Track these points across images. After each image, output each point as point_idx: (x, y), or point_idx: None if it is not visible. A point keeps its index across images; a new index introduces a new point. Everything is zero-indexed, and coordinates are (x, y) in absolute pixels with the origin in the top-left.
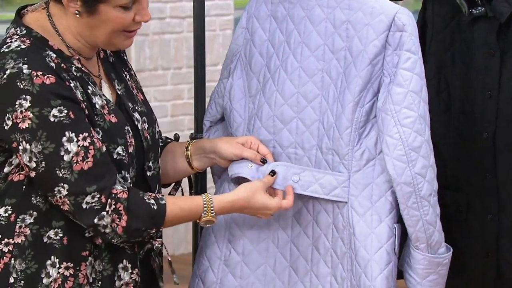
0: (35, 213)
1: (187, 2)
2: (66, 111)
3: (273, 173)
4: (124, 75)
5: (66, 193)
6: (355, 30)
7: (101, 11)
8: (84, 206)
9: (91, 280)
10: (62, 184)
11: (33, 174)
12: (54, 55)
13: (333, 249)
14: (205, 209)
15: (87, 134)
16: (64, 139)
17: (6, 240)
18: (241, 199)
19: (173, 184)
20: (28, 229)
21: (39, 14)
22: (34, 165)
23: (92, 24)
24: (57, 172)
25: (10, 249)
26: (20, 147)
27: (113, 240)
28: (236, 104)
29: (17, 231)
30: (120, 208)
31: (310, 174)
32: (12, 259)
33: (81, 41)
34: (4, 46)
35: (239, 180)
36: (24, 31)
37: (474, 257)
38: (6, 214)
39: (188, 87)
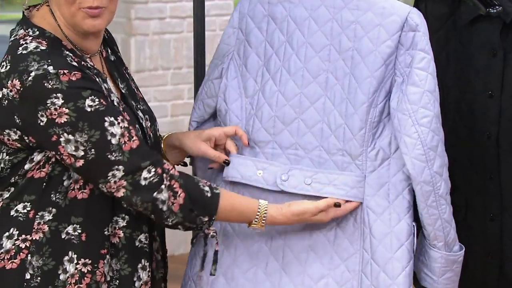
0: (54, 210)
1: (187, 2)
2: (98, 100)
3: (337, 205)
4: (124, 73)
5: (123, 173)
6: (365, 30)
7: None
8: (142, 183)
9: (108, 279)
10: (116, 166)
11: (80, 162)
12: (71, 54)
13: (335, 251)
14: (257, 216)
15: (122, 117)
16: (106, 124)
17: (23, 236)
18: (290, 221)
19: None
20: (46, 226)
21: (44, 12)
22: (82, 153)
23: (56, 2)
24: (109, 156)
25: (28, 245)
26: (62, 139)
27: (168, 220)
28: (232, 105)
29: (35, 228)
30: (175, 186)
31: (323, 176)
32: (29, 255)
33: (71, 29)
34: (20, 48)
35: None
36: (37, 32)
37: (474, 258)
38: (25, 211)
39: (188, 87)
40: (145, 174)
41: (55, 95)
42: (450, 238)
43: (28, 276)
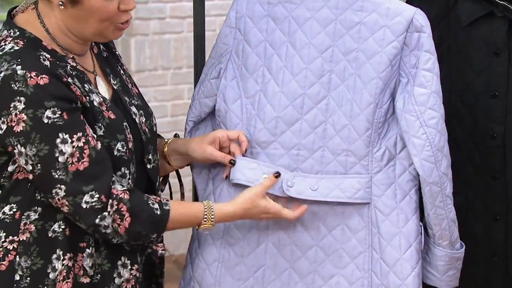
0: (39, 208)
1: (187, 2)
2: (59, 113)
3: (277, 174)
4: (118, 69)
5: (64, 194)
6: (370, 31)
7: (83, 2)
8: (83, 206)
9: (91, 273)
10: (58, 185)
11: (31, 176)
12: (48, 55)
13: (344, 249)
14: (205, 217)
15: (81, 134)
16: (58, 140)
17: (11, 237)
18: (241, 210)
19: (160, 179)
20: (33, 225)
21: (29, 15)
22: (30, 167)
23: (77, 16)
24: (53, 173)
25: (15, 246)
26: (16, 151)
27: (113, 240)
28: (232, 105)
29: (22, 229)
30: (122, 209)
31: (329, 181)
32: (17, 256)
33: (70, 37)
34: None
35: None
36: (18, 33)
37: (476, 259)
38: (11, 212)
39: (188, 87)
40: (87, 198)
41: (18, 98)
42: (454, 236)
43: (17, 278)
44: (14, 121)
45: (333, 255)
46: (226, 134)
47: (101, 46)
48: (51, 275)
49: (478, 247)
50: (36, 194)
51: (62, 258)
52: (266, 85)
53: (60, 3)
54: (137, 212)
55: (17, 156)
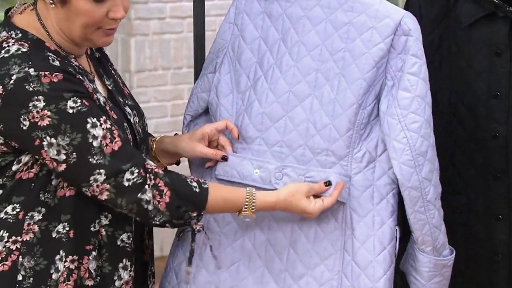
0: (43, 209)
1: (187, 2)
2: (80, 101)
3: (328, 183)
4: (110, 70)
5: (104, 177)
6: (358, 32)
7: (71, 2)
8: (126, 184)
9: (94, 275)
10: (97, 170)
11: (62, 167)
12: (54, 55)
13: (315, 250)
14: (246, 203)
15: (105, 116)
16: (89, 126)
17: (13, 238)
18: (282, 202)
19: None
20: (36, 226)
21: (28, 16)
22: (64, 157)
23: (67, 16)
24: (90, 159)
25: (18, 246)
26: (45, 143)
27: (155, 219)
28: (223, 99)
29: (26, 229)
30: (160, 184)
31: (315, 173)
32: (20, 256)
33: (64, 38)
34: (3, 51)
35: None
36: (20, 35)
37: (478, 261)
38: (14, 212)
39: (188, 87)
40: (128, 175)
41: (36, 97)
42: (439, 243)
43: (20, 278)
44: (37, 117)
45: (304, 255)
46: (213, 127)
47: (93, 47)
48: (54, 276)
49: (480, 247)
50: (40, 195)
51: (64, 259)
52: (256, 81)
53: (51, 1)
54: (176, 187)
55: (45, 149)
